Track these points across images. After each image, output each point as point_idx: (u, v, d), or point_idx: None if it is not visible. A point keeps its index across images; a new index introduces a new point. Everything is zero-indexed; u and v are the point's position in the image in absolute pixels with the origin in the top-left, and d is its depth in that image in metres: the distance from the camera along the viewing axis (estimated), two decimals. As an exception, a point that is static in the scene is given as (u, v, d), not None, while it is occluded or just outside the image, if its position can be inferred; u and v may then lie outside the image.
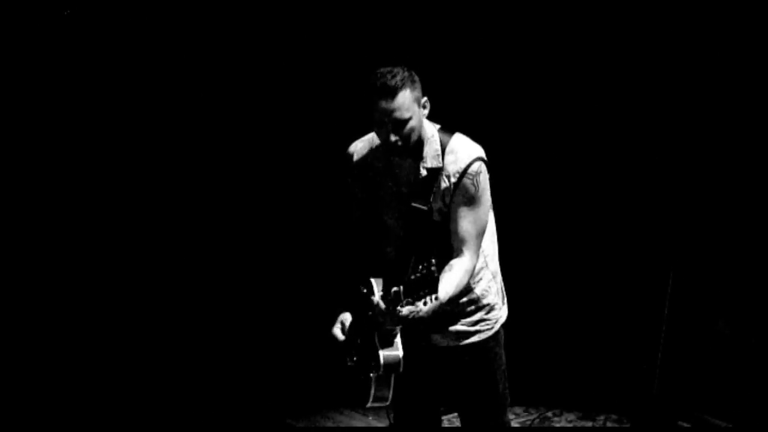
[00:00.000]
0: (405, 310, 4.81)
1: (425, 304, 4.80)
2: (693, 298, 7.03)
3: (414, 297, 4.76)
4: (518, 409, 7.28)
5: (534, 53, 7.69)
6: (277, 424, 7.15)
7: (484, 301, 5.13)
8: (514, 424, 7.13)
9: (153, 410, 7.11)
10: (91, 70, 7.24)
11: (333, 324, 5.24)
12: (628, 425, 7.09)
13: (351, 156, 5.24)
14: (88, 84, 7.27)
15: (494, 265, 5.20)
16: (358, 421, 7.17)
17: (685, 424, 6.97)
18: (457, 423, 6.62)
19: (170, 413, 7.12)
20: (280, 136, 7.81)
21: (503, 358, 5.25)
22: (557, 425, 7.01)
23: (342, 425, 7.15)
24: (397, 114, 4.88)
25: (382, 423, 7.12)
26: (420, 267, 4.74)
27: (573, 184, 7.77)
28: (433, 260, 4.77)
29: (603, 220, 7.69)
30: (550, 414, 7.17)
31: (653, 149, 7.29)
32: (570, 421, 6.99)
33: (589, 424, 7.06)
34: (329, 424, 7.16)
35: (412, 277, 4.74)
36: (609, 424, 7.03)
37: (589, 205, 7.78)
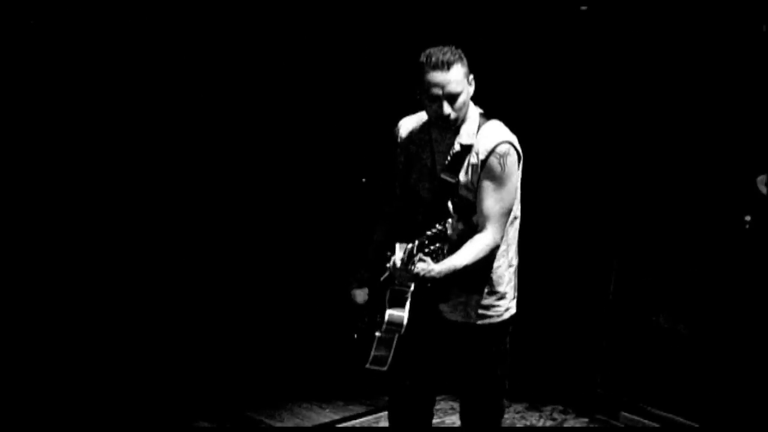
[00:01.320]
0: (418, 266, 5.01)
1: (437, 261, 5.01)
2: (635, 292, 7.30)
3: (426, 252, 4.97)
4: None
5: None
6: (237, 417, 7.21)
7: (497, 288, 5.37)
8: None
9: (110, 402, 7.12)
10: (87, 68, 7.24)
11: (352, 285, 5.59)
12: (573, 415, 7.33)
13: (398, 130, 5.52)
14: (90, 82, 7.28)
15: (512, 255, 5.42)
16: (317, 414, 7.30)
17: (629, 415, 7.24)
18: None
19: (130, 405, 7.14)
20: (276, 134, 7.92)
21: (508, 346, 5.48)
22: (506, 415, 7.21)
23: (299, 417, 7.25)
24: (452, 87, 5.16)
25: (338, 415, 7.30)
26: (436, 225, 5.00)
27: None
28: (449, 220, 5.08)
29: (546, 213, 7.87)
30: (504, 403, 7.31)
31: (597, 143, 7.52)
32: (518, 412, 7.20)
33: (536, 414, 7.30)
34: (289, 416, 7.25)
35: (427, 233, 4.98)
36: (555, 415, 7.28)
37: (532, 197, 8.02)
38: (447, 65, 5.17)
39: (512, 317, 5.47)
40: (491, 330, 5.42)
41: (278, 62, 7.80)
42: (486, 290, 5.38)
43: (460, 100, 5.21)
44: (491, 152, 5.23)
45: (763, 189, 7.10)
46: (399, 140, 5.51)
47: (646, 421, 7.17)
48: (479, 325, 5.39)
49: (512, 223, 5.38)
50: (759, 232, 6.94)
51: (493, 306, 5.39)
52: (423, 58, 5.21)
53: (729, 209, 7.10)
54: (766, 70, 7.28)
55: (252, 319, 7.90)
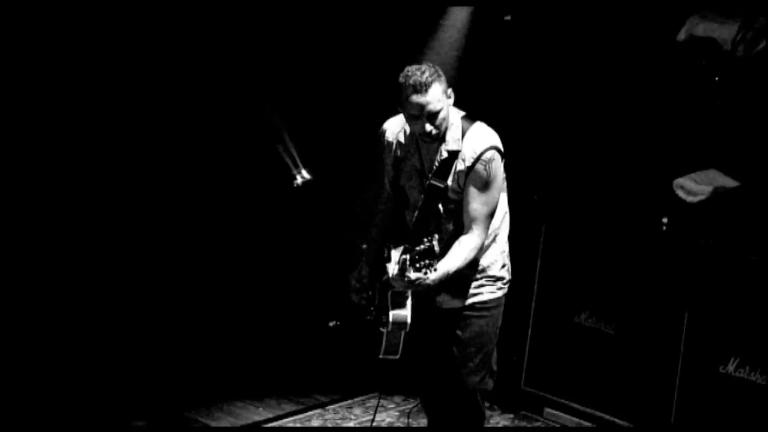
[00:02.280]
0: (413, 276, 5.30)
1: (429, 273, 5.28)
2: (558, 291, 7.53)
3: (418, 266, 5.26)
4: (398, 398, 7.70)
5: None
6: (173, 415, 7.30)
7: (489, 272, 5.72)
8: (395, 412, 7.53)
9: (45, 401, 7.14)
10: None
11: (352, 284, 5.96)
12: (498, 411, 7.54)
13: (384, 133, 5.80)
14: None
15: (503, 242, 5.77)
16: (251, 413, 7.42)
17: (552, 411, 7.48)
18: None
19: (65, 404, 7.16)
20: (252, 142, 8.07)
21: (499, 322, 5.81)
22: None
23: (233, 416, 7.37)
24: (431, 107, 5.46)
25: (271, 413, 7.43)
26: (425, 240, 5.27)
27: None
28: (436, 235, 5.36)
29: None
30: None
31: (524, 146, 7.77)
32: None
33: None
34: (223, 415, 7.37)
35: (417, 248, 5.25)
36: (487, 414, 7.47)
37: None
38: (425, 87, 5.45)
39: (504, 295, 5.82)
40: (486, 305, 5.77)
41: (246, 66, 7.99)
42: (478, 276, 5.72)
43: (440, 116, 5.51)
44: (477, 159, 5.55)
45: (679, 191, 7.46)
46: (385, 143, 5.79)
47: (568, 417, 7.41)
48: (475, 302, 5.75)
49: (502, 217, 5.73)
50: (675, 233, 7.25)
51: (486, 285, 5.75)
52: (402, 80, 5.50)
53: (647, 211, 7.40)
54: (681, 80, 7.69)
55: (188, 318, 8.04)
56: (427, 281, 5.37)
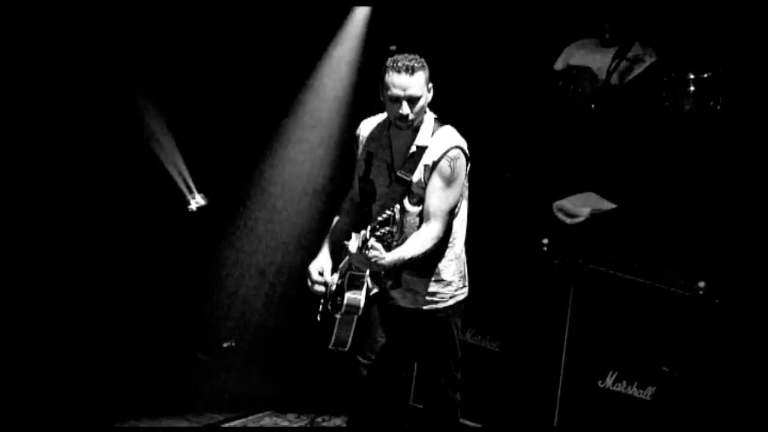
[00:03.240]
0: (371, 252, 5.47)
1: (386, 244, 5.49)
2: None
3: (377, 236, 5.45)
4: (291, 416, 7.85)
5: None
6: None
7: (442, 276, 5.90)
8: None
9: None
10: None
11: (312, 273, 5.98)
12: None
13: (360, 130, 6.02)
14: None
15: (459, 248, 5.96)
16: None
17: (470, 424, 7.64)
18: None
19: None
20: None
21: (458, 327, 6.01)
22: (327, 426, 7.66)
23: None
24: (413, 90, 5.69)
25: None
26: (385, 212, 5.48)
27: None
28: (396, 206, 5.62)
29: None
30: (320, 419, 7.73)
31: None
32: (337, 425, 7.55)
33: (355, 427, 7.70)
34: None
35: (378, 218, 5.47)
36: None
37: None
38: (411, 70, 5.69)
39: (459, 303, 5.99)
40: (441, 314, 5.95)
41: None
42: (433, 279, 5.90)
43: (419, 104, 5.74)
44: (443, 155, 5.77)
45: (559, 214, 7.74)
46: (360, 139, 6.01)
47: None
48: (426, 309, 5.92)
49: (460, 223, 5.92)
50: (555, 253, 7.45)
51: (439, 293, 5.93)
52: (390, 62, 5.75)
53: (529, 233, 7.63)
54: (559, 108, 8.03)
55: (77, 340, 8.05)
56: (383, 260, 5.54)
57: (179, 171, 8.24)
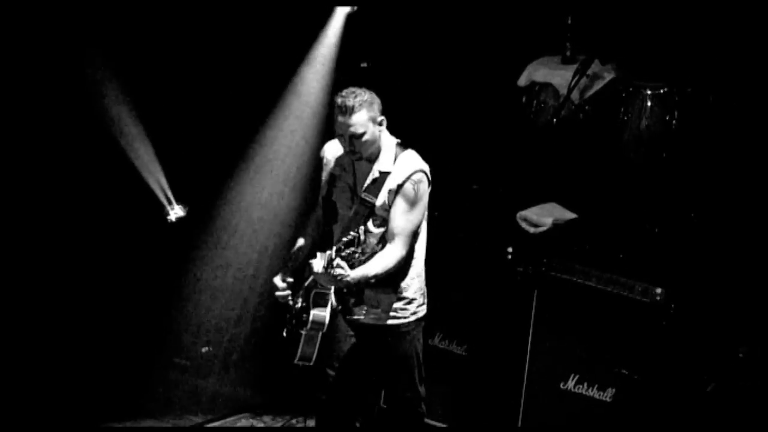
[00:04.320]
0: (336, 271, 5.65)
1: (351, 263, 5.66)
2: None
3: (342, 256, 5.63)
4: (267, 418, 8.04)
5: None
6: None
7: (404, 294, 6.08)
8: None
9: None
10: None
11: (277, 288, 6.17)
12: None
13: (324, 151, 6.17)
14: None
15: (420, 266, 6.13)
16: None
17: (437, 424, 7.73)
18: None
19: None
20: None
21: (420, 342, 6.18)
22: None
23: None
24: (353, 129, 5.84)
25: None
26: (350, 233, 5.69)
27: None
28: (361, 228, 5.78)
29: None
30: (294, 421, 7.88)
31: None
32: (312, 426, 7.42)
33: (328, 429, 7.85)
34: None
35: (343, 239, 5.67)
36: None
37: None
38: (351, 111, 5.83)
39: (419, 319, 6.17)
40: (402, 329, 6.13)
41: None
42: (394, 297, 6.07)
43: (363, 139, 5.87)
44: (407, 179, 5.93)
45: (523, 223, 7.84)
46: (324, 160, 6.18)
47: None
48: (389, 325, 6.10)
49: (419, 239, 6.08)
50: (519, 261, 7.58)
51: (402, 309, 6.11)
52: (335, 98, 5.88)
53: (493, 241, 7.74)
54: (522, 122, 8.15)
55: (56, 344, 8.16)
56: (348, 277, 5.71)
57: (158, 181, 8.31)
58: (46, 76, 7.88)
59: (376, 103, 5.93)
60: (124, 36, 8.07)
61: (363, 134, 5.87)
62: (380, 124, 5.95)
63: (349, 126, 5.85)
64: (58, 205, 8.18)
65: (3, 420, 7.52)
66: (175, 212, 8.37)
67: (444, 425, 7.71)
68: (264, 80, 8.43)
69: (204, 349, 8.65)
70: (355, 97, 5.85)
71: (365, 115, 5.86)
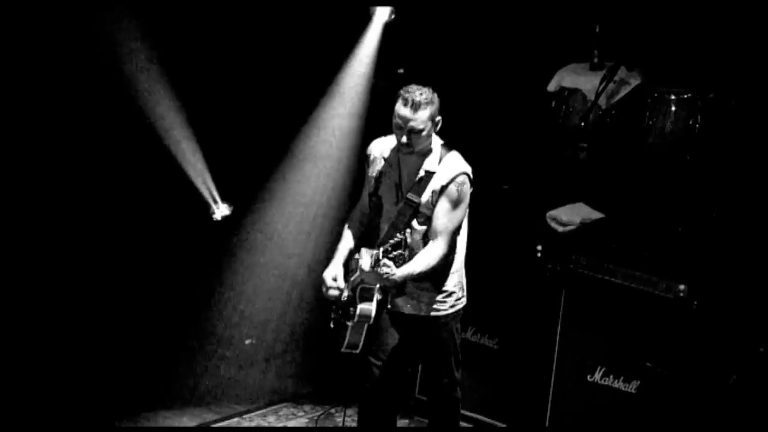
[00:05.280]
0: (383, 269, 5.83)
1: (397, 264, 5.82)
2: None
3: (390, 258, 5.80)
4: (307, 407, 8.20)
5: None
6: (104, 426, 7.63)
7: (444, 287, 6.26)
8: (303, 419, 8.02)
9: None
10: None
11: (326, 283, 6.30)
12: (399, 416, 7.54)
13: (371, 149, 6.32)
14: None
15: (460, 262, 6.31)
16: (175, 423, 7.79)
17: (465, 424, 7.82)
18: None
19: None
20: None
21: (458, 332, 6.41)
22: (338, 419, 7.91)
23: (158, 425, 7.75)
24: (413, 124, 5.99)
25: (193, 422, 7.82)
26: (397, 235, 5.86)
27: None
28: (407, 230, 5.98)
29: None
30: (333, 410, 8.06)
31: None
32: (349, 415, 7.72)
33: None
34: (149, 425, 7.73)
35: (390, 241, 5.83)
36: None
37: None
38: (416, 106, 5.97)
39: (458, 311, 6.35)
40: (443, 320, 6.31)
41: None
42: (436, 289, 6.25)
43: (421, 135, 6.02)
44: (451, 180, 6.10)
45: (552, 223, 7.94)
46: (371, 158, 6.35)
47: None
48: (429, 316, 6.29)
49: (461, 236, 6.25)
50: (548, 259, 7.73)
51: (441, 301, 6.30)
52: (401, 92, 6.02)
53: (524, 240, 7.89)
54: (552, 125, 8.23)
55: (114, 334, 8.30)
56: (395, 276, 5.86)
57: (205, 182, 8.43)
58: (95, 76, 7.95)
59: (437, 103, 6.06)
60: (172, 37, 8.16)
61: (422, 131, 6.00)
62: (437, 124, 6.09)
63: (411, 120, 5.97)
64: (109, 203, 8.29)
65: (57, 402, 7.66)
66: (221, 211, 8.50)
67: (503, 425, 7.84)
68: (306, 82, 8.56)
69: (247, 341, 8.79)
70: (422, 94, 5.97)
71: (428, 112, 5.99)
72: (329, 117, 8.64)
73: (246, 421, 7.97)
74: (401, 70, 8.37)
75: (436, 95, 6.08)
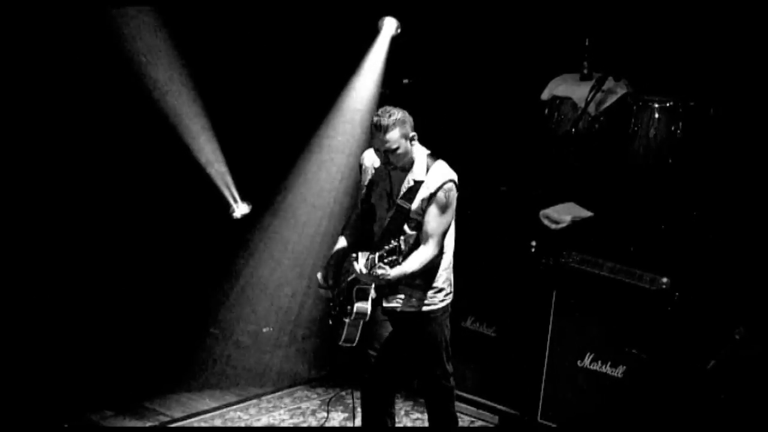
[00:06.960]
0: (378, 271, 6.16)
1: (392, 267, 6.11)
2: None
3: (384, 262, 6.10)
4: (320, 389, 8.52)
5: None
6: (135, 405, 7.89)
7: (435, 284, 6.56)
8: (317, 401, 8.25)
9: (21, 392, 7.62)
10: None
11: (320, 283, 6.64)
12: (402, 400, 8.18)
13: (363, 158, 6.64)
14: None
15: (448, 261, 6.58)
16: (198, 402, 8.02)
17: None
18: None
19: (42, 392, 7.69)
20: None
21: (447, 325, 6.65)
22: (348, 401, 8.09)
23: (185, 405, 7.97)
24: (387, 145, 6.32)
25: (216, 403, 8.02)
26: (392, 241, 6.19)
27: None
28: (401, 237, 6.27)
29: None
30: (343, 393, 8.31)
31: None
32: (358, 398, 7.53)
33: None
34: (176, 405, 7.95)
35: (386, 247, 6.16)
36: (398, 404, 8.02)
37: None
38: (385, 130, 6.25)
39: (447, 306, 6.62)
40: (432, 314, 6.60)
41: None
42: (426, 286, 6.55)
43: (396, 154, 6.30)
44: (440, 188, 6.39)
45: (545, 221, 8.20)
46: (363, 167, 6.65)
47: (458, 403, 7.68)
48: (421, 311, 6.58)
49: (448, 237, 6.55)
50: (542, 254, 7.97)
51: (431, 297, 6.61)
52: (374, 116, 6.30)
53: (519, 236, 8.15)
54: (544, 131, 8.46)
55: (145, 322, 8.59)
56: (389, 276, 6.15)
57: (225, 182, 8.66)
58: (115, 76, 8.13)
59: (408, 121, 6.32)
60: (196, 45, 8.35)
61: (397, 149, 6.26)
62: (412, 139, 6.34)
63: (384, 142, 6.26)
64: (133, 203, 8.51)
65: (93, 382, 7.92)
66: (240, 210, 8.73)
67: (476, 398, 8.00)
68: (318, 89, 8.75)
69: (265, 330, 9.00)
70: (390, 116, 6.23)
71: (398, 132, 6.25)
72: (339, 123, 8.86)
73: (264, 402, 8.18)
74: (406, 80, 8.61)
75: (406, 113, 6.34)
